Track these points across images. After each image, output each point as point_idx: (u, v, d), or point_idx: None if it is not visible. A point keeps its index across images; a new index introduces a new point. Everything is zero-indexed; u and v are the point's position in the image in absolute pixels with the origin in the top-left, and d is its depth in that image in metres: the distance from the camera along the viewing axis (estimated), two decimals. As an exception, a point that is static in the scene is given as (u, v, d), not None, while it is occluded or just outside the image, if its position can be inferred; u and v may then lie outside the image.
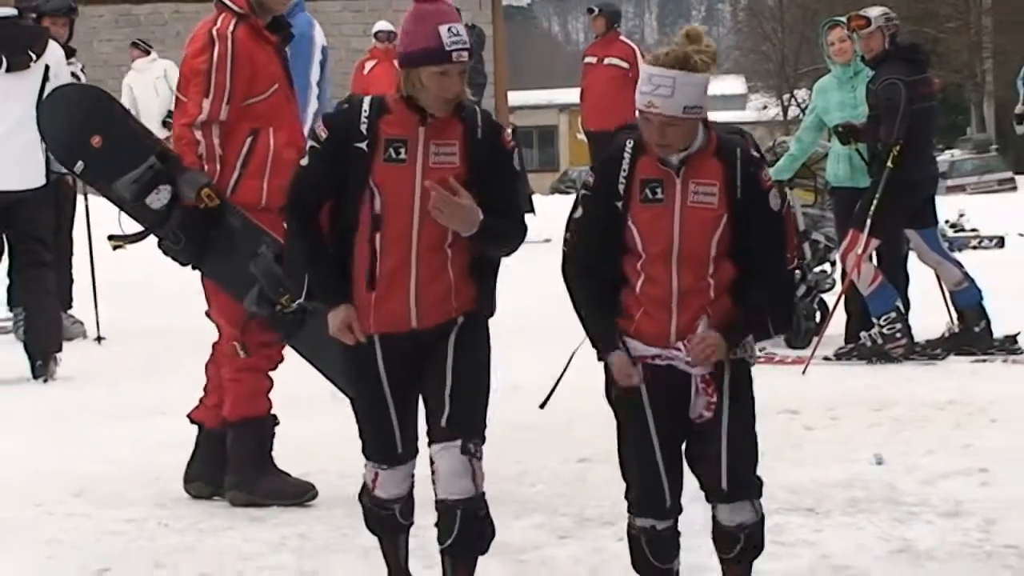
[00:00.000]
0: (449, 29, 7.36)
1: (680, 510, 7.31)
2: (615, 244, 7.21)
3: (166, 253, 10.21)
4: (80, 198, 16.27)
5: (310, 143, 7.69)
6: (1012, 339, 15.63)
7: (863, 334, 15.20)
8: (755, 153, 7.27)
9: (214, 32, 10.12)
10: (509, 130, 7.93)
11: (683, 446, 7.37)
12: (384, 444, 7.66)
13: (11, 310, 15.66)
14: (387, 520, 7.82)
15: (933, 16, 44.69)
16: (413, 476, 7.84)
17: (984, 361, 15.26)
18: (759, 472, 7.40)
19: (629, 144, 7.21)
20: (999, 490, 10.27)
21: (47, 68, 14.63)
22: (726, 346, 7.13)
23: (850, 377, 13.55)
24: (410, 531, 8.07)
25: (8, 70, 14.56)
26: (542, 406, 7.67)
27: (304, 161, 7.69)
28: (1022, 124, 11.18)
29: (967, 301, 15.79)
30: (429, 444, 7.53)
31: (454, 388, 7.48)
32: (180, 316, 13.89)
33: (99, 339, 16.47)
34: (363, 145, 7.39)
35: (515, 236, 7.66)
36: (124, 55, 39.11)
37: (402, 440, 7.66)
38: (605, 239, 7.21)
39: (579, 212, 7.30)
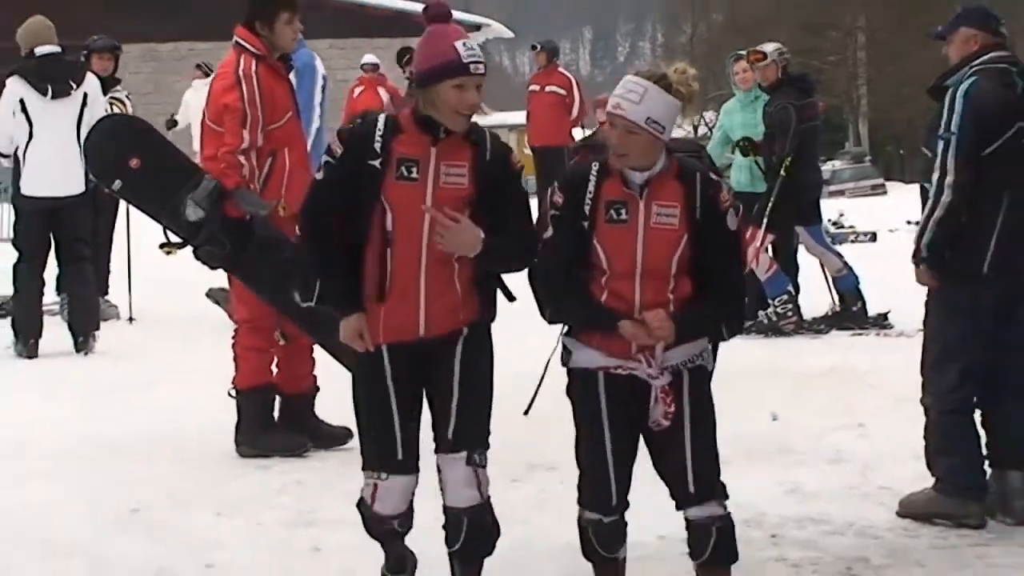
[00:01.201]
0: (464, 44, 6.70)
1: (626, 506, 6.74)
2: (581, 261, 6.59)
3: (201, 258, 10.33)
4: (123, 204, 16.30)
5: (325, 158, 6.95)
6: (884, 316, 15.80)
7: (760, 313, 15.30)
8: (713, 176, 6.68)
9: (240, 73, 10.13)
10: (516, 155, 7.03)
11: (637, 453, 6.77)
12: (385, 449, 6.79)
13: (59, 295, 15.69)
14: (386, 532, 6.97)
15: (818, 51, 44.80)
16: (413, 495, 6.96)
17: (860, 335, 15.46)
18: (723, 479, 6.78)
19: (595, 167, 6.60)
20: (874, 442, 10.43)
21: (85, 95, 14.69)
22: (674, 332, 6.50)
23: (750, 349, 13.58)
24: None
25: (53, 97, 14.58)
26: (526, 413, 6.94)
27: (320, 175, 6.93)
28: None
29: (846, 285, 16.04)
30: (436, 451, 6.86)
31: (460, 402, 6.76)
32: (200, 303, 14.02)
33: (131, 320, 16.51)
34: (376, 163, 6.62)
35: (521, 254, 6.82)
36: (150, 84, 39.13)
37: (403, 448, 6.80)
38: (573, 256, 6.58)
39: (549, 231, 6.67)
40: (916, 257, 9.02)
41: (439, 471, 6.83)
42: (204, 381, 11.55)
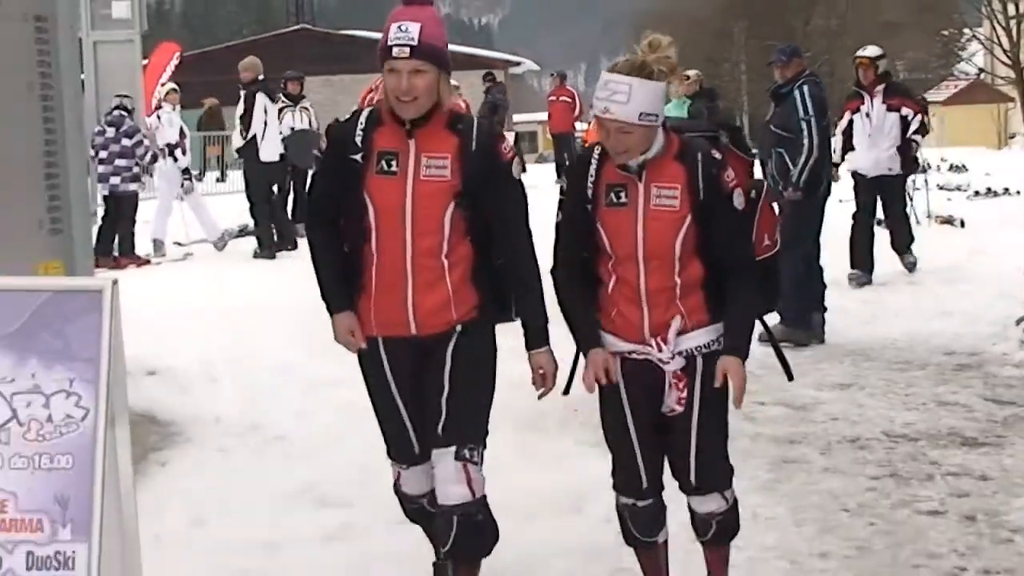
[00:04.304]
0: (399, 27, 4.62)
1: (660, 489, 4.96)
2: (591, 245, 4.83)
3: None
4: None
5: (317, 154, 5.43)
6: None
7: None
8: (716, 155, 4.78)
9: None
10: (510, 138, 5.41)
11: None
12: (401, 446, 5.06)
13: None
14: (418, 512, 5.22)
15: (718, 75, 48.12)
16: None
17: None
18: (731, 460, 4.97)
19: (597, 151, 4.82)
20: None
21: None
22: (740, 360, 4.74)
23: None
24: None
25: (273, 102, 16.21)
26: (565, 392, 5.00)
27: (315, 172, 5.27)
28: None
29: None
30: (429, 451, 4.94)
31: (450, 396, 4.85)
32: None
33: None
34: (358, 157, 4.77)
35: (529, 264, 4.88)
36: (327, 101, 41.09)
37: (419, 441, 5.00)
38: (583, 240, 4.83)
39: (559, 216, 4.94)
40: (794, 186, 10.30)
41: (432, 470, 4.96)
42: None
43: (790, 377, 5.01)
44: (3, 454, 3.54)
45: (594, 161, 4.79)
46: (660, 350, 4.75)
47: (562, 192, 4.89)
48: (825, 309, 10.66)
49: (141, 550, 3.84)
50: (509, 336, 4.90)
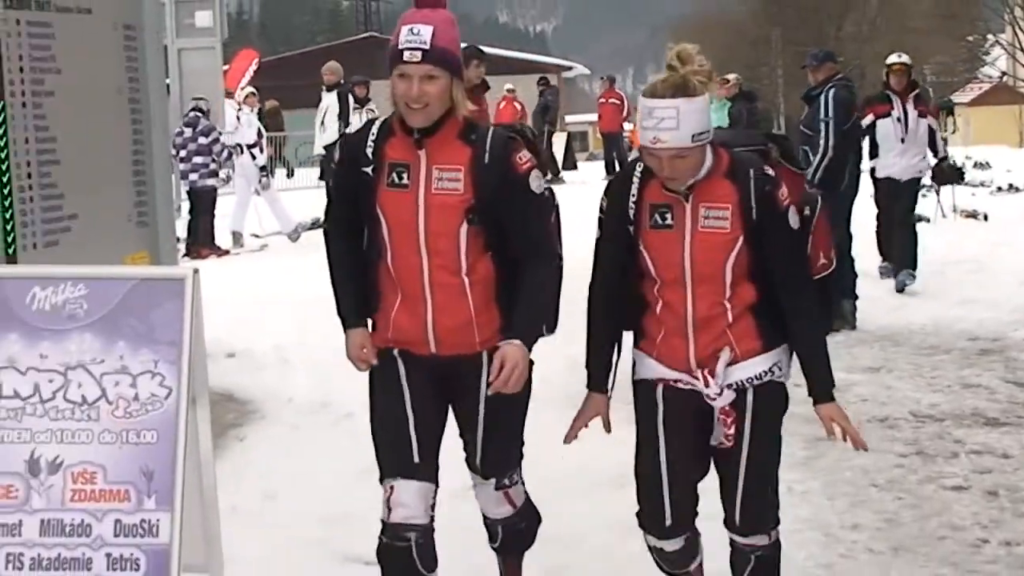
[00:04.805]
0: (411, 30, 4.02)
1: (687, 530, 4.26)
2: (633, 266, 4.19)
3: None
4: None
5: (333, 166, 4.75)
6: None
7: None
8: (769, 171, 4.11)
9: None
10: (524, 152, 4.20)
11: (703, 470, 4.31)
12: (399, 453, 4.18)
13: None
14: (404, 560, 4.14)
15: (757, 78, 47.82)
16: (433, 507, 4.21)
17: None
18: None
19: (639, 168, 4.15)
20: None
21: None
22: (837, 405, 4.17)
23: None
24: None
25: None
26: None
27: (332, 183, 4.57)
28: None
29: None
30: (469, 470, 4.40)
31: (487, 435, 4.27)
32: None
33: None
34: (369, 170, 4.14)
35: (549, 278, 4.25)
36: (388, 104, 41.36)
37: (420, 451, 4.17)
38: (623, 260, 4.19)
39: (598, 233, 4.26)
40: (810, 183, 11.02)
41: (473, 485, 4.49)
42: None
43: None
44: (93, 430, 3.58)
45: (636, 180, 4.15)
46: (707, 384, 4.12)
47: (601, 210, 4.25)
48: (856, 297, 10.61)
49: (220, 519, 3.86)
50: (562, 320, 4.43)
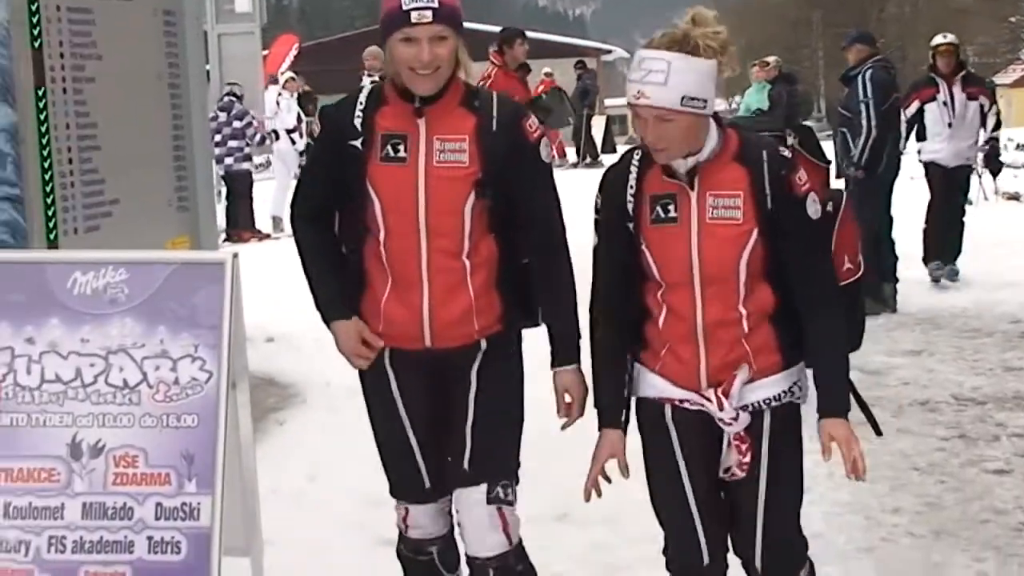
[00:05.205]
0: None
1: (725, 567, 3.70)
2: (636, 270, 3.61)
3: None
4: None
5: (309, 141, 3.84)
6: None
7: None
8: (786, 153, 3.53)
9: (482, 76, 9.54)
10: (533, 119, 3.83)
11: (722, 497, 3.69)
12: (409, 479, 3.91)
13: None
14: (428, 571, 4.00)
15: (797, 60, 47.71)
16: (451, 516, 3.95)
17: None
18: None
19: (636, 156, 3.60)
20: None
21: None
22: (845, 422, 3.54)
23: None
24: None
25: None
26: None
27: (305, 162, 4.20)
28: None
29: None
30: (452, 488, 3.86)
31: (477, 424, 3.78)
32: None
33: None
34: (357, 143, 3.68)
35: (568, 274, 3.82)
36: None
37: (429, 475, 3.88)
38: (626, 266, 3.60)
39: (595, 240, 3.67)
40: (855, 165, 10.18)
41: (456, 515, 3.91)
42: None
43: (878, 432, 3.81)
44: (134, 414, 3.60)
45: (633, 168, 3.59)
46: (721, 407, 3.54)
47: (596, 210, 3.67)
48: (897, 280, 10.56)
49: (260, 502, 3.88)
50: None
